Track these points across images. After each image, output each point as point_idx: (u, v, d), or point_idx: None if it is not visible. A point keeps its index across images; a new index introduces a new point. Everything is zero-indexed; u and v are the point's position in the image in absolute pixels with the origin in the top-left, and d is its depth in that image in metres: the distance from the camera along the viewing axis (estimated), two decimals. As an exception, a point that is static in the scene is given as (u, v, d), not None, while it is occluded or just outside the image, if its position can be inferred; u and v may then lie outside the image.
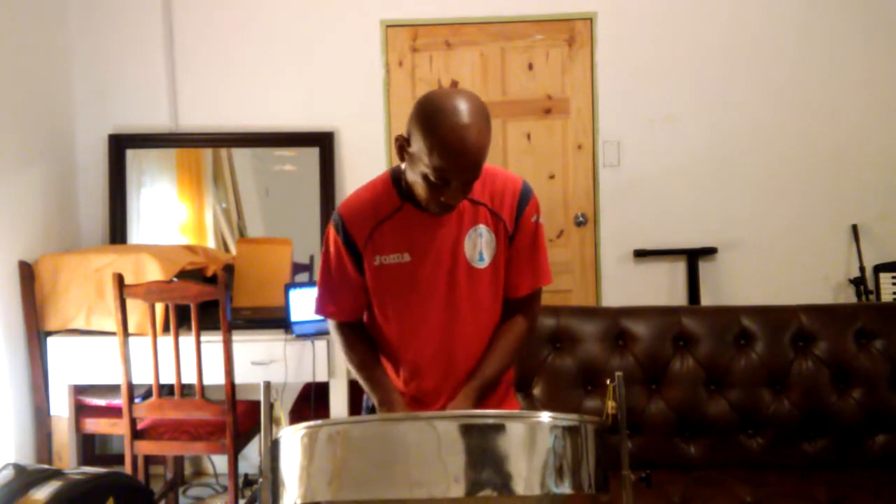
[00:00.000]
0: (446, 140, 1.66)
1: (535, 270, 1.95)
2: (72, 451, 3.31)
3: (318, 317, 3.28)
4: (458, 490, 1.31)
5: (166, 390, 3.33)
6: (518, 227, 1.90)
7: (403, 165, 1.83)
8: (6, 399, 3.26)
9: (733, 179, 3.96)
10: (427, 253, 1.86)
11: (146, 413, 3.14)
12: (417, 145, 1.70)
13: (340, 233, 1.89)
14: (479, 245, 1.87)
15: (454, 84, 3.93)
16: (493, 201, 1.88)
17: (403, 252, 1.86)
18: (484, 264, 1.88)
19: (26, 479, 2.54)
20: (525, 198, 1.90)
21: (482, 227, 1.88)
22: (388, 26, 3.93)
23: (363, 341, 1.99)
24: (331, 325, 2.02)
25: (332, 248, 1.92)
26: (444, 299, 1.88)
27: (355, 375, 1.98)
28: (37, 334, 3.36)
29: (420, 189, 1.76)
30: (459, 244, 1.87)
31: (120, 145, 3.90)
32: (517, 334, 1.96)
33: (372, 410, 1.99)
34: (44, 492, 2.47)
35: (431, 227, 1.85)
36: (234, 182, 3.99)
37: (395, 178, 1.88)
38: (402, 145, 1.76)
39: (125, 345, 3.07)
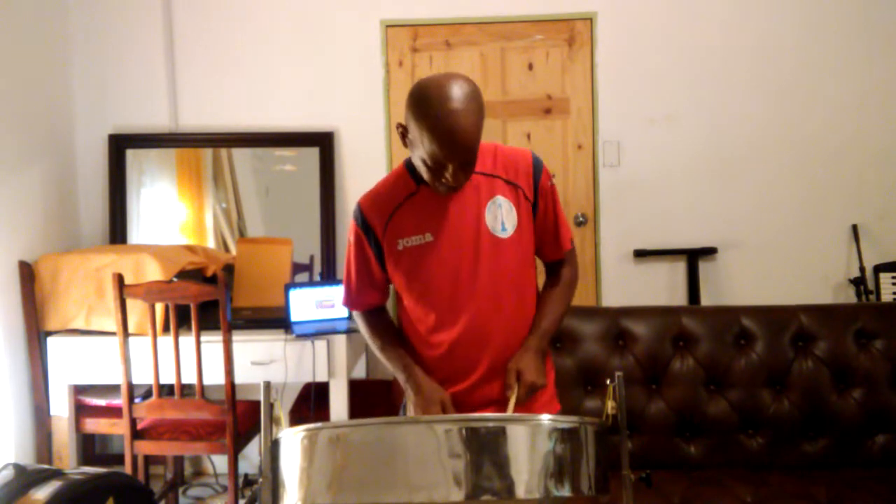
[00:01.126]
0: (437, 125, 1.70)
1: (560, 231, 2.02)
2: (72, 451, 3.31)
3: (318, 317, 3.33)
4: (458, 494, 1.31)
5: (166, 390, 3.33)
6: (538, 193, 1.94)
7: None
8: (6, 399, 3.26)
9: (733, 179, 3.96)
10: (449, 230, 1.89)
11: (146, 413, 3.14)
12: (413, 132, 1.76)
13: (360, 223, 1.95)
14: (500, 216, 1.91)
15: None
16: (507, 172, 1.93)
17: (425, 233, 1.90)
18: (507, 234, 1.91)
19: (26, 479, 2.54)
20: (538, 166, 1.96)
21: (500, 198, 1.91)
22: (388, 26, 3.93)
23: (384, 323, 2.07)
24: (354, 311, 2.09)
25: (353, 241, 1.98)
26: (470, 273, 1.90)
27: (380, 357, 2.03)
28: (37, 334, 3.36)
29: (424, 173, 1.81)
30: (481, 217, 1.90)
31: (120, 145, 3.90)
32: (566, 282, 2.04)
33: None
34: (44, 492, 2.47)
35: (450, 205, 1.89)
36: (234, 182, 3.98)
37: (410, 166, 1.93)
38: (403, 133, 1.82)
39: (125, 345, 3.07)
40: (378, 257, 1.95)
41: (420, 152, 1.77)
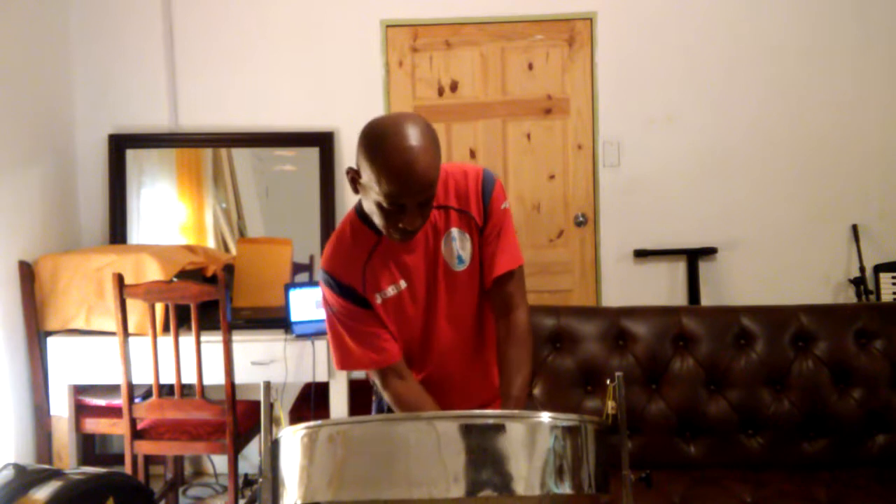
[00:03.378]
0: (392, 163, 1.62)
1: (504, 252, 1.89)
2: (72, 451, 3.31)
3: (319, 316, 3.33)
4: (458, 490, 1.31)
5: (166, 390, 3.33)
6: (487, 216, 1.86)
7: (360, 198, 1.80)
8: (6, 399, 3.26)
9: (733, 179, 3.96)
10: (417, 273, 1.86)
11: (146, 413, 3.14)
12: (367, 174, 1.67)
13: (335, 287, 1.85)
14: (455, 248, 1.86)
15: (453, 85, 3.93)
16: (458, 200, 1.86)
17: (399, 281, 1.85)
18: (464, 266, 1.87)
19: (26, 479, 2.53)
20: (488, 185, 1.86)
21: (454, 230, 1.86)
22: (388, 26, 3.93)
23: (419, 395, 1.89)
24: (379, 382, 1.91)
25: (335, 305, 1.87)
26: (436, 311, 1.88)
27: None
28: (37, 334, 3.36)
29: (377, 219, 1.72)
30: (438, 253, 1.86)
31: (120, 145, 3.90)
32: (523, 334, 1.91)
33: (384, 412, 1.99)
34: (44, 492, 2.47)
35: (414, 247, 1.84)
36: (234, 182, 3.98)
37: (362, 215, 1.84)
38: (354, 178, 1.73)
39: (125, 345, 3.07)
40: (367, 306, 1.86)
41: (374, 195, 1.67)
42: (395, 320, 1.88)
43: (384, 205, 1.67)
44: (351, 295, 1.85)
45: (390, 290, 1.85)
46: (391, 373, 1.89)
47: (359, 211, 1.86)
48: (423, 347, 1.92)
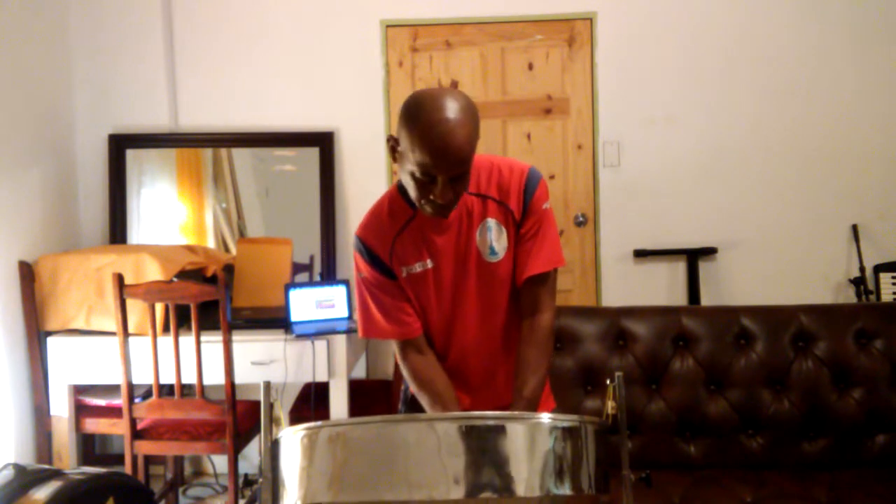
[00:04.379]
0: (427, 134, 1.65)
1: (540, 253, 1.89)
2: (72, 451, 3.31)
3: (318, 317, 3.33)
4: (458, 492, 1.31)
5: (166, 390, 3.33)
6: (526, 212, 1.87)
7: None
8: (6, 399, 3.26)
9: (733, 180, 3.96)
10: (447, 255, 1.86)
11: (146, 413, 3.14)
12: (404, 143, 1.71)
13: (365, 255, 1.88)
14: (490, 239, 1.87)
15: (454, 84, 3.93)
16: (500, 192, 1.87)
17: (426, 259, 1.86)
18: (497, 258, 1.88)
19: (26, 479, 2.53)
20: (532, 182, 1.86)
21: (491, 221, 1.87)
22: (388, 26, 3.93)
23: (434, 371, 1.91)
24: (398, 354, 1.94)
25: (365, 272, 1.90)
26: (464, 299, 1.88)
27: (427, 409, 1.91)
28: (37, 334, 3.36)
29: (411, 190, 1.75)
30: (471, 240, 1.86)
31: (120, 145, 3.90)
32: (546, 335, 1.91)
33: (411, 403, 1.99)
34: (44, 492, 2.47)
35: (445, 228, 1.85)
36: (234, 182, 3.98)
37: (402, 189, 1.87)
38: (393, 146, 1.77)
39: (125, 345, 3.07)
40: (395, 278, 1.89)
41: (409, 165, 1.70)
42: (420, 298, 1.89)
43: (417, 175, 1.70)
44: (379, 265, 1.88)
45: (417, 267, 1.87)
46: (410, 347, 1.92)
47: (399, 184, 1.88)
48: (446, 333, 1.92)
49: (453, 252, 1.86)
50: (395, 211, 1.88)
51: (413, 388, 1.94)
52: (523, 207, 1.86)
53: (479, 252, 1.87)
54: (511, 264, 1.89)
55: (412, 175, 1.71)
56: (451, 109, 1.66)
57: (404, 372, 1.95)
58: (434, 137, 1.65)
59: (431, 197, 1.72)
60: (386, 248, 1.87)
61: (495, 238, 1.87)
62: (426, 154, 1.66)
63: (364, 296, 1.92)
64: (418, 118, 1.67)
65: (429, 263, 1.86)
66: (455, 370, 1.94)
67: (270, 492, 1.45)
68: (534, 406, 1.86)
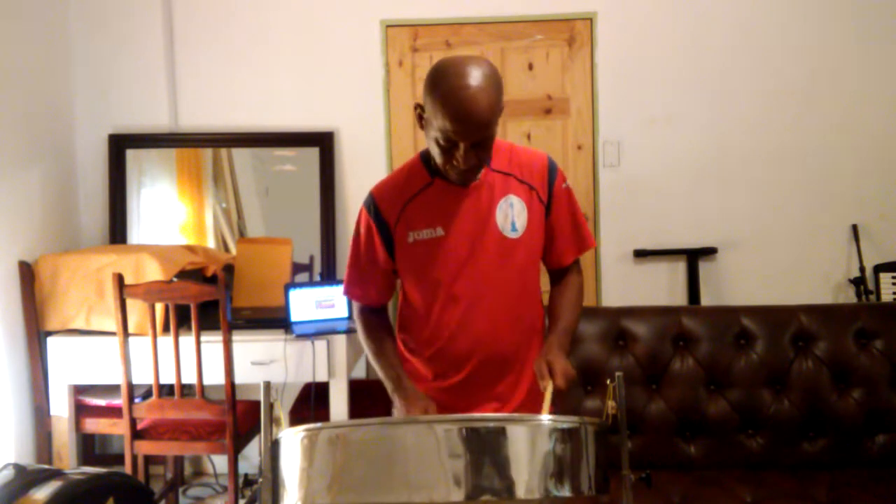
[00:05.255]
0: (449, 100, 1.70)
1: (579, 236, 2.00)
2: (72, 451, 3.31)
3: (318, 317, 3.33)
4: (458, 494, 1.31)
5: (166, 390, 3.33)
6: (552, 196, 1.93)
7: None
8: (6, 399, 3.26)
9: (733, 179, 3.96)
10: (460, 226, 1.89)
11: (146, 413, 3.14)
12: (428, 108, 1.76)
13: (372, 212, 1.93)
14: (511, 215, 1.90)
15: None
16: (521, 172, 1.92)
17: (436, 227, 1.89)
18: (517, 234, 1.91)
19: (26, 479, 2.54)
20: (553, 169, 1.95)
21: (513, 198, 1.91)
22: (388, 26, 3.93)
23: (383, 328, 2.05)
24: (354, 308, 2.08)
25: (363, 230, 1.96)
26: (476, 271, 1.90)
27: (371, 362, 2.02)
28: (37, 334, 3.36)
29: (436, 156, 1.79)
30: (491, 214, 1.89)
31: (120, 145, 3.90)
32: (578, 287, 2.01)
33: None
34: (44, 492, 2.47)
35: (463, 199, 1.89)
36: (234, 182, 3.99)
37: (425, 157, 1.92)
38: (420, 113, 1.81)
39: (125, 345, 3.08)
40: (388, 249, 1.93)
41: (433, 131, 1.75)
42: (424, 265, 1.91)
43: (440, 141, 1.74)
44: (380, 225, 1.92)
45: (425, 233, 1.90)
46: (367, 308, 2.06)
47: (423, 152, 1.94)
48: (454, 298, 1.91)
49: (470, 224, 1.89)
50: (413, 176, 1.93)
51: (361, 337, 2.04)
52: (549, 188, 1.93)
53: (498, 227, 1.90)
54: (528, 241, 1.93)
55: (436, 141, 1.76)
56: (474, 76, 1.70)
57: (357, 325, 2.06)
58: (455, 103, 1.69)
59: (455, 162, 1.77)
60: (396, 209, 1.91)
61: (516, 214, 1.91)
62: (448, 120, 1.70)
63: (353, 252, 2.00)
64: (441, 84, 1.71)
65: (439, 231, 1.89)
66: (467, 333, 1.93)
67: (270, 492, 1.45)
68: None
